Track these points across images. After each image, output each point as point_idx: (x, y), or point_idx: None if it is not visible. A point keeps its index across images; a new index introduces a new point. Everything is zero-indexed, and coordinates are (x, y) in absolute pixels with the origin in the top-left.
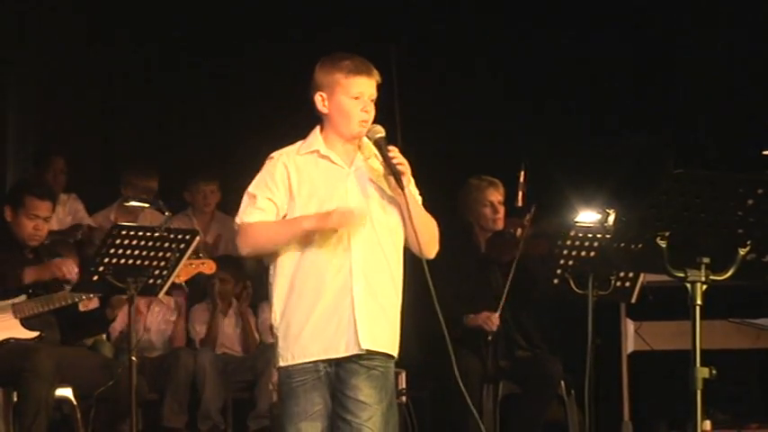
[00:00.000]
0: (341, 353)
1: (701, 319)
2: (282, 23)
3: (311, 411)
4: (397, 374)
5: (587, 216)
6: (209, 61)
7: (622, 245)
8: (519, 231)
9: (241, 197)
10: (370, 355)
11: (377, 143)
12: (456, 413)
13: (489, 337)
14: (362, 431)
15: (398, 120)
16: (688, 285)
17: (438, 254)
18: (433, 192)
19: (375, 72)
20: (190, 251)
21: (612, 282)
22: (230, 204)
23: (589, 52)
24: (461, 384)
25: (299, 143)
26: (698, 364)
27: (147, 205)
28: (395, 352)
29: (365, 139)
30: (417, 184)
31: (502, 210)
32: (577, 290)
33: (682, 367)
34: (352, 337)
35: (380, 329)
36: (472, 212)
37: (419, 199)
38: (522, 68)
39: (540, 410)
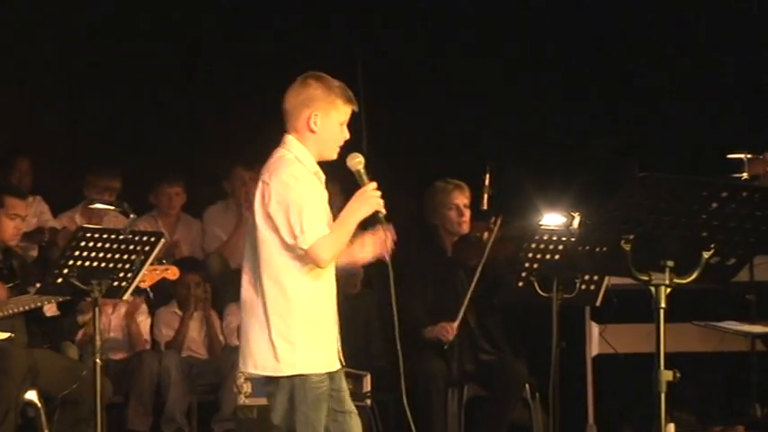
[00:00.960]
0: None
1: (666, 322)
2: (251, 26)
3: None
4: (362, 377)
5: (552, 219)
6: (175, 63)
7: (587, 248)
8: (485, 235)
9: (206, 199)
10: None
11: (357, 172)
12: (421, 417)
13: (445, 347)
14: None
15: (364, 122)
16: (652, 288)
17: (404, 257)
18: (398, 194)
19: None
20: (155, 253)
21: (577, 285)
22: (195, 206)
23: (555, 55)
24: (406, 400)
25: (290, 159)
26: (662, 367)
27: (111, 207)
28: None
29: None
30: (383, 187)
31: (467, 213)
32: (542, 293)
33: (646, 370)
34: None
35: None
36: (438, 215)
37: None
38: (487, 71)
39: (505, 413)
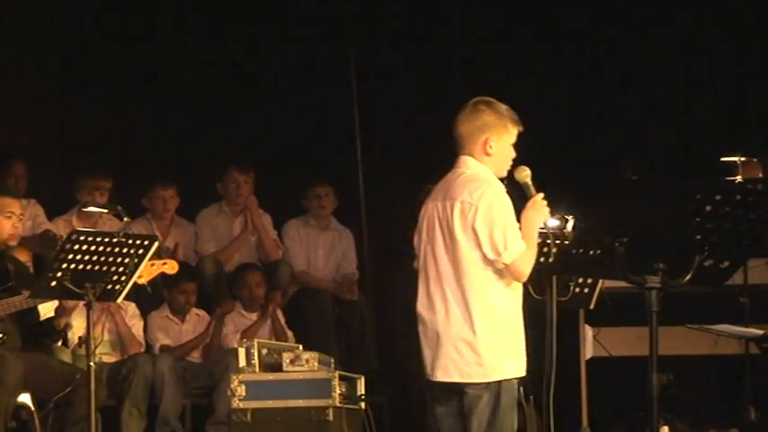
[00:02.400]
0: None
1: (659, 325)
2: (240, 26)
3: None
4: (356, 380)
5: (546, 222)
6: (165, 68)
7: (581, 251)
8: None
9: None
10: None
11: (527, 185)
12: (415, 419)
13: None
14: None
15: (358, 123)
16: (646, 291)
17: (398, 259)
18: (394, 196)
19: None
20: (148, 257)
21: (571, 288)
22: (189, 209)
23: (547, 57)
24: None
25: (487, 179)
26: (655, 370)
27: (106, 210)
28: None
29: None
30: (381, 187)
31: None
32: (536, 296)
33: (640, 373)
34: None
35: None
36: None
37: None
38: (483, 73)
39: None
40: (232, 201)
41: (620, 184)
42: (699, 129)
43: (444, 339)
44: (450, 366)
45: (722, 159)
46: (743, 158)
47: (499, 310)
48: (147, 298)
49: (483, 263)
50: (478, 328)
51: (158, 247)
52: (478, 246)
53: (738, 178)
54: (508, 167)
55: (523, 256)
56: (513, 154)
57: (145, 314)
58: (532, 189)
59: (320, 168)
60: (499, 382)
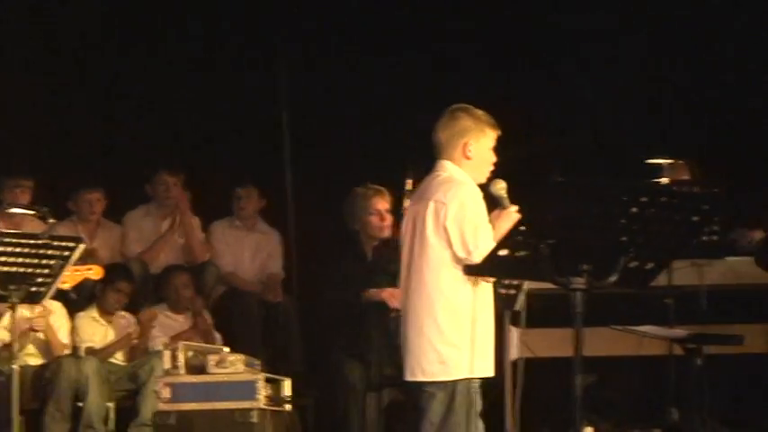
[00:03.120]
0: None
1: (584, 326)
2: (171, 25)
3: None
4: (281, 382)
5: None
6: (91, 68)
7: (507, 252)
8: None
9: (127, 203)
10: None
11: (501, 198)
12: (339, 421)
13: (392, 313)
14: None
15: (286, 125)
16: (571, 293)
17: (325, 263)
18: (319, 200)
19: None
20: (74, 258)
21: (496, 289)
22: (115, 211)
23: (475, 60)
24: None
25: (461, 181)
26: (579, 372)
27: (31, 212)
28: None
29: None
30: (306, 192)
31: (389, 218)
32: None
33: (565, 374)
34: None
35: None
36: (358, 221)
37: None
38: (410, 74)
39: None
40: (161, 202)
41: (545, 186)
42: (625, 130)
43: (411, 339)
44: (415, 366)
45: (648, 161)
46: (669, 160)
47: (465, 310)
48: (72, 302)
49: (453, 262)
50: (444, 328)
51: (84, 250)
52: (449, 245)
53: (664, 180)
54: (488, 173)
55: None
56: (493, 158)
57: (71, 315)
58: (506, 201)
59: (249, 169)
60: (456, 381)
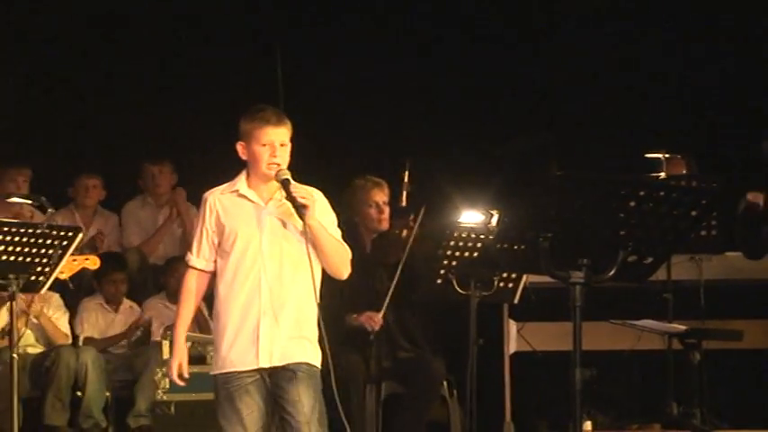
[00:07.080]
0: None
1: (583, 320)
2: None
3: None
4: None
5: (471, 216)
6: (87, 57)
7: (505, 245)
8: (404, 232)
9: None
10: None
11: (282, 182)
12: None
13: (371, 337)
14: None
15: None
16: (570, 287)
17: None
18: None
19: (284, 121)
20: (73, 247)
21: (495, 282)
22: (113, 199)
23: (472, 51)
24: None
25: (226, 184)
26: (578, 365)
27: (29, 201)
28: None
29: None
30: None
31: (387, 210)
32: (460, 290)
33: (563, 368)
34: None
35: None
36: (357, 213)
37: (331, 227)
38: (407, 68)
39: (423, 411)
40: (152, 193)
41: (544, 180)
42: (624, 124)
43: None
44: None
45: (646, 156)
46: (667, 155)
47: (218, 313)
48: (69, 292)
49: None
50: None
51: (82, 239)
52: None
53: (663, 175)
54: (268, 166)
55: (189, 277)
56: (268, 152)
57: (70, 305)
58: (288, 187)
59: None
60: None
